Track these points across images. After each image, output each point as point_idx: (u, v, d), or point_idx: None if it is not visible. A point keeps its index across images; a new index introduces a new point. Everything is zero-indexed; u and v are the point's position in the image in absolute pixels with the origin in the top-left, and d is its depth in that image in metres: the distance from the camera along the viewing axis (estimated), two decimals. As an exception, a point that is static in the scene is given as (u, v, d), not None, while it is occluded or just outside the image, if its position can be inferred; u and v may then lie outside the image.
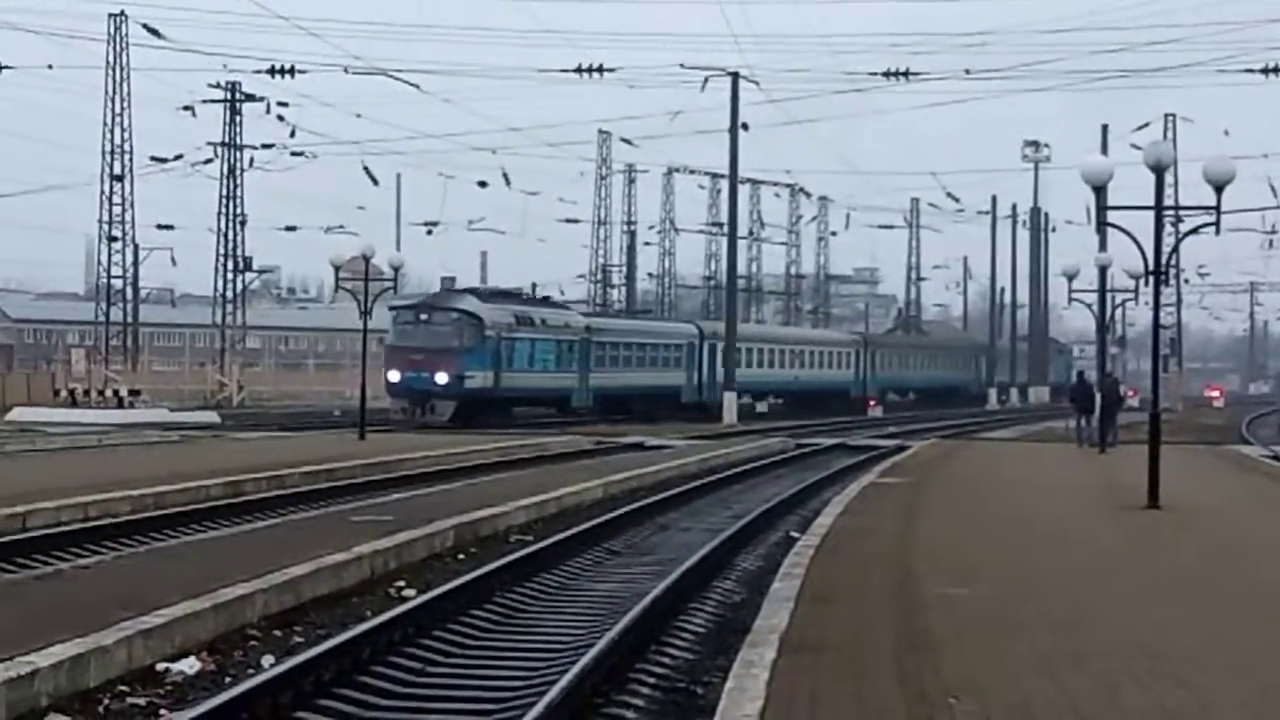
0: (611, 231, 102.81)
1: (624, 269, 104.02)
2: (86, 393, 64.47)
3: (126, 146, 72.70)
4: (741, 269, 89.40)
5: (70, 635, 11.38)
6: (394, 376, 55.76)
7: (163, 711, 10.89)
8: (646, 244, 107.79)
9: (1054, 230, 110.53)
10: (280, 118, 71.29)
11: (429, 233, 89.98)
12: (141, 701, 11.11)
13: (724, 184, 75.49)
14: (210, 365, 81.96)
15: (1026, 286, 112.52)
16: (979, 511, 23.13)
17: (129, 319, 75.64)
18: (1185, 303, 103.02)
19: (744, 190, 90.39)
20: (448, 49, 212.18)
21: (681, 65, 64.37)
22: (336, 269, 43.33)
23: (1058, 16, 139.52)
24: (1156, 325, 25.39)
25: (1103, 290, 46.14)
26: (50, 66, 67.83)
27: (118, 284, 75.37)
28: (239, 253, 77.13)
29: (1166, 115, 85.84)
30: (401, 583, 16.77)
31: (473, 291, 62.56)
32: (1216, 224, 23.09)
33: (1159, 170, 22.87)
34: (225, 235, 76.85)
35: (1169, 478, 24.00)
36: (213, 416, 61.42)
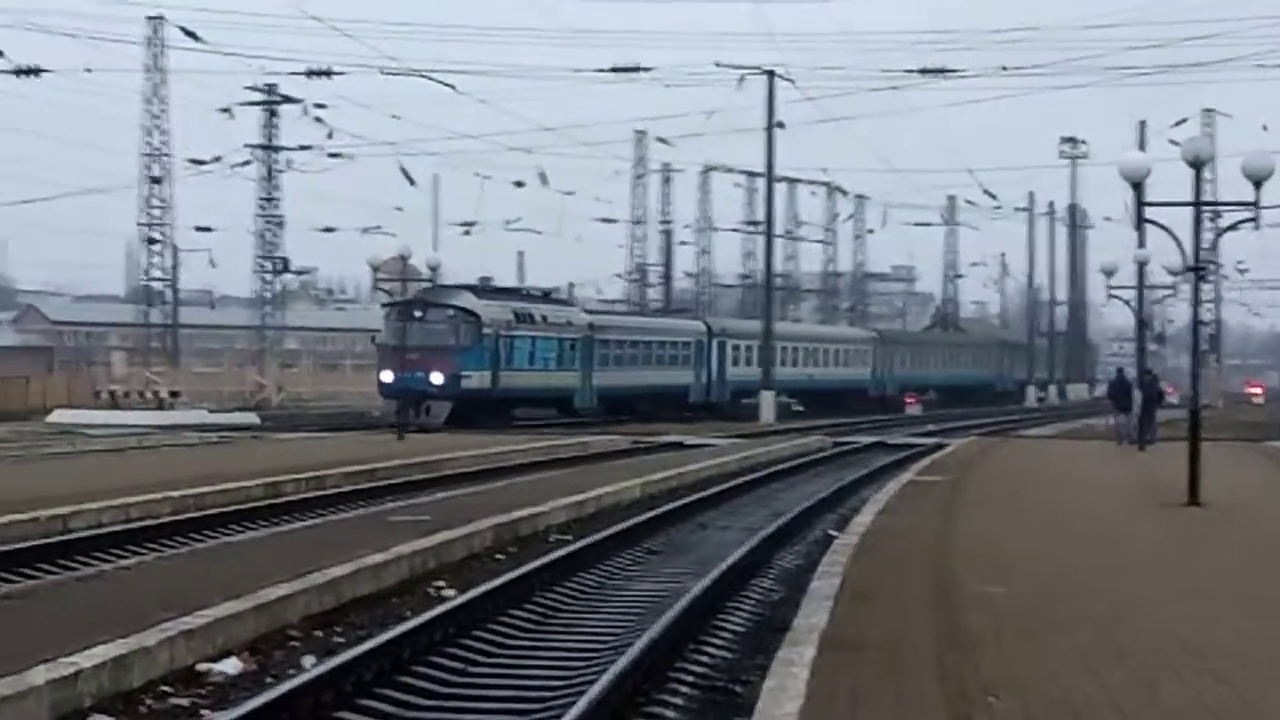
0: (648, 231, 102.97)
1: (661, 268, 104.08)
2: (127, 394, 64.81)
3: (165, 149, 73.11)
4: (779, 267, 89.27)
5: (113, 636, 11.44)
6: (387, 377, 53.30)
7: (204, 712, 10.93)
8: (683, 243, 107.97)
9: (1092, 227, 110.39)
10: (318, 119, 71.61)
11: (466, 233, 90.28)
12: (184, 702, 11.15)
13: (760, 182, 75.39)
14: (249, 366, 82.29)
15: (1064, 283, 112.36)
16: (1018, 509, 23.08)
17: (169, 321, 75.99)
18: (1224, 299, 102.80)
19: (780, 189, 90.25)
20: (483, 49, 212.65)
21: (717, 64, 64.51)
22: (374, 270, 43.43)
23: (1096, 12, 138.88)
24: (1196, 321, 25.32)
25: (1141, 286, 46.01)
26: (89, 70, 68.27)
27: (158, 286, 75.77)
28: (277, 254, 77.44)
29: (1205, 110, 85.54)
30: (441, 583, 16.81)
31: (469, 287, 60.28)
32: (1256, 219, 23.01)
33: (1197, 166, 22.80)
34: (263, 237, 77.19)
35: (1209, 474, 23.89)
36: (252, 418, 61.63)
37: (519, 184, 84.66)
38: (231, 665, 12.14)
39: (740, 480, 31.22)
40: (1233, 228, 26.19)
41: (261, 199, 76.32)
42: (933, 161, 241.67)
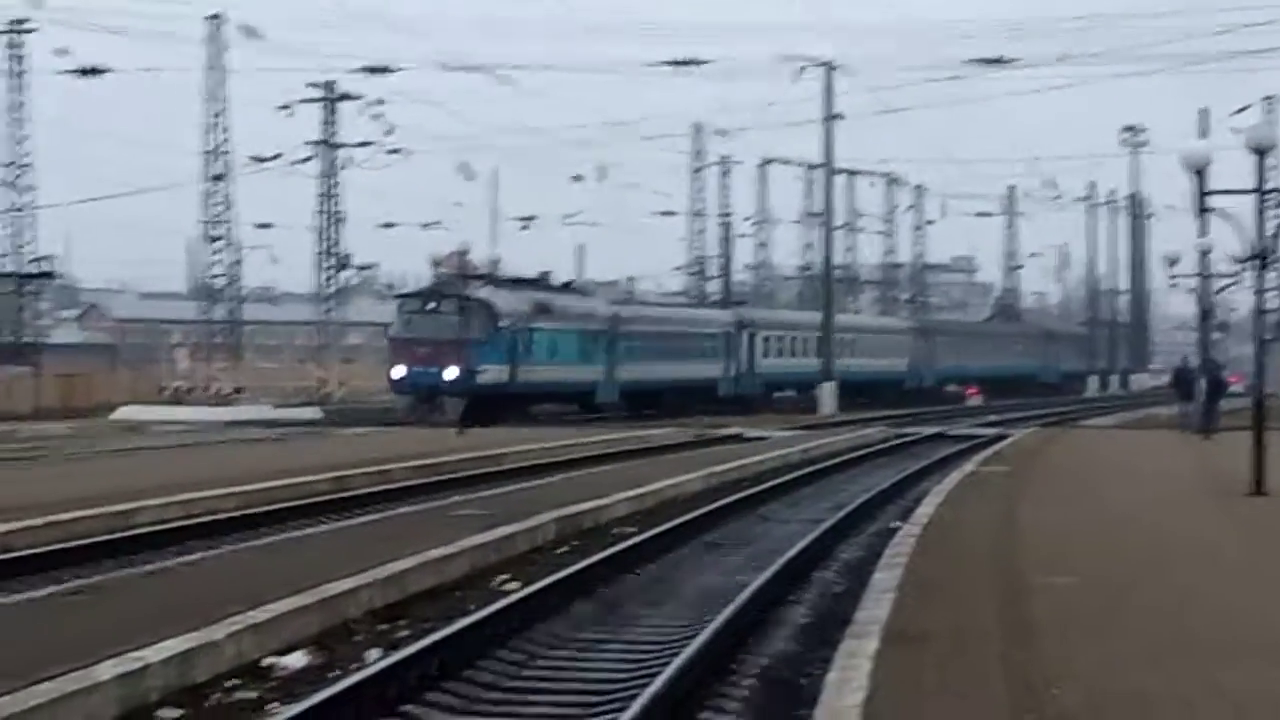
0: (707, 223, 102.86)
1: (720, 260, 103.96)
2: (190, 390, 65.21)
3: (226, 147, 73.52)
4: (838, 259, 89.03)
5: (180, 631, 11.52)
6: (398, 372, 51.64)
7: (270, 705, 11.01)
8: (742, 235, 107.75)
9: (1153, 216, 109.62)
10: (377, 115, 71.82)
11: (525, 228, 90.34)
12: (250, 695, 11.21)
13: (819, 174, 75.27)
14: (311, 362, 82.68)
15: (1125, 273, 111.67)
16: (1080, 499, 22.99)
17: (231, 317, 76.43)
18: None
19: (839, 180, 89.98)
20: (540, 44, 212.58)
21: (777, 57, 64.46)
22: (435, 265, 43.47)
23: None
24: (1260, 310, 25.12)
25: (1204, 275, 45.69)
26: (149, 70, 68.68)
27: (219, 283, 76.22)
28: (338, 250, 77.77)
29: (1266, 97, 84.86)
30: (504, 576, 16.86)
31: (486, 278, 57.18)
32: (1319, 206, 22.85)
33: (1260, 153, 22.65)
34: (324, 233, 77.52)
35: (1274, 464, 23.74)
36: (315, 413, 61.84)
37: (578, 178, 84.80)
38: (297, 659, 12.21)
39: (802, 472, 31.19)
40: (1296, 215, 26.02)
41: (321, 195, 76.66)
42: (992, 151, 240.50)
